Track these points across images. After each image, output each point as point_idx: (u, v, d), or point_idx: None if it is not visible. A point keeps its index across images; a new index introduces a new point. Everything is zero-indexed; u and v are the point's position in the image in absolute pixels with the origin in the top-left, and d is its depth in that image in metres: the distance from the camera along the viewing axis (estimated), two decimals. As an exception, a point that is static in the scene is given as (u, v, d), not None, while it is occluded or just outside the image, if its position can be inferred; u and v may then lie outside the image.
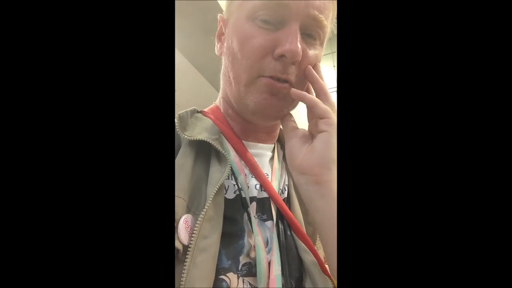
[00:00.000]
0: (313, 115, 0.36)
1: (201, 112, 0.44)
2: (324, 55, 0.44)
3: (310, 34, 0.37)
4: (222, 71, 0.43)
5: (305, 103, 0.36)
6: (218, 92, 0.47)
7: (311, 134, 0.36)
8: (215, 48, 0.44)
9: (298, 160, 0.34)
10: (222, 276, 0.31)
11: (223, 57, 0.42)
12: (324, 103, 0.35)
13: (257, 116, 0.39)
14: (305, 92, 0.36)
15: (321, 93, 0.37)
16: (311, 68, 0.37)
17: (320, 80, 0.37)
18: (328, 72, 1.62)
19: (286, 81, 0.36)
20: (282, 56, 0.34)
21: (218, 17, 0.44)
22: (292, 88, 0.36)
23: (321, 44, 0.39)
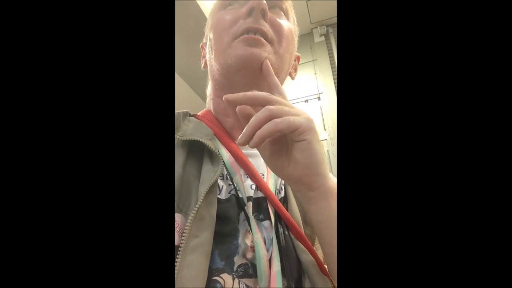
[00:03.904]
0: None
1: (193, 115, 0.45)
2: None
3: (272, 6, 0.43)
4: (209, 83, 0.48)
5: (274, 135, 0.31)
6: (198, 95, 0.49)
7: (288, 141, 0.33)
8: (201, 63, 0.51)
9: (285, 172, 0.32)
10: (216, 277, 0.30)
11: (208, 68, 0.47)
12: (275, 94, 0.34)
13: (243, 70, 0.39)
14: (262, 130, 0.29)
15: (273, 87, 0.37)
16: (268, 63, 0.39)
17: (274, 75, 0.38)
18: (310, 80, 1.65)
19: (260, 34, 0.40)
20: (251, 10, 0.39)
21: (200, 47, 0.52)
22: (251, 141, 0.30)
23: (287, 18, 0.45)
